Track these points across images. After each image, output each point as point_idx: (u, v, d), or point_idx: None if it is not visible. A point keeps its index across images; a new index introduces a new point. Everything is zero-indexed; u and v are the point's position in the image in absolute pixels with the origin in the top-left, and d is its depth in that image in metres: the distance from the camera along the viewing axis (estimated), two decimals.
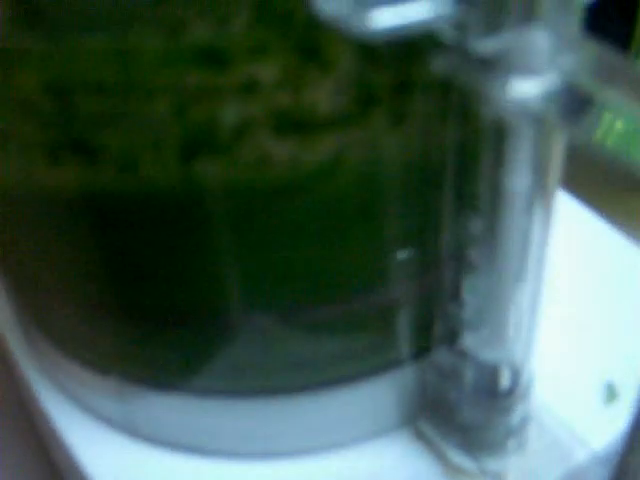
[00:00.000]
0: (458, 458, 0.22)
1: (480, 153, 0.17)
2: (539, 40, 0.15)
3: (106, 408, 0.23)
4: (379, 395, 0.22)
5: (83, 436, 0.24)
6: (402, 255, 0.20)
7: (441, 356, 0.21)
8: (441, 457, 0.22)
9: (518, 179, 0.17)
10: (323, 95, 0.15)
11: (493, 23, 0.15)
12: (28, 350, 0.26)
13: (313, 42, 0.15)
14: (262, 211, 0.18)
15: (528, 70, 0.15)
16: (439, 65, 0.15)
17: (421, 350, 0.22)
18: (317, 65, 0.15)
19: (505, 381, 0.21)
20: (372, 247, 0.19)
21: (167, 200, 0.18)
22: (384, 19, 0.14)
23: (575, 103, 0.15)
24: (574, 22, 0.15)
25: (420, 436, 0.23)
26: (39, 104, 0.16)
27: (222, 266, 0.19)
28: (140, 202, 0.18)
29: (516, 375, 0.21)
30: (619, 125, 0.16)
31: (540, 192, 0.18)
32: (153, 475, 0.23)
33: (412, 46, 0.15)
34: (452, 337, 0.21)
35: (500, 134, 0.17)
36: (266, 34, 0.15)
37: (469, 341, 0.21)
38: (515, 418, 0.22)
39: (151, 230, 0.19)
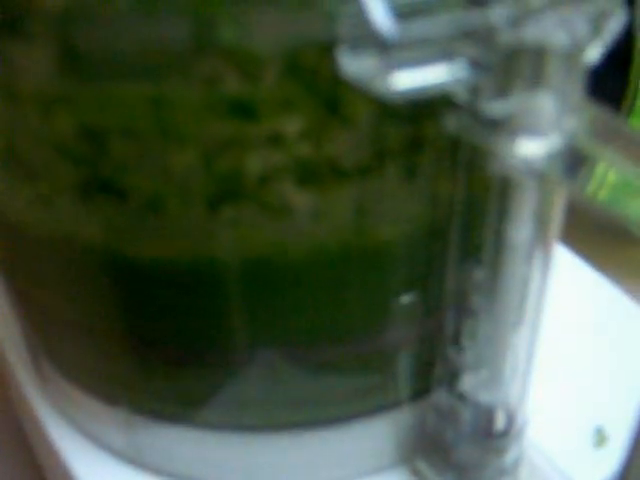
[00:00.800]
0: None
1: (485, 206, 0.18)
2: (545, 104, 0.16)
3: (113, 438, 0.24)
4: (378, 433, 0.23)
5: (89, 466, 0.24)
6: (405, 302, 0.21)
7: (440, 397, 0.22)
8: None
9: (520, 231, 0.18)
10: (343, 148, 0.17)
11: (503, 87, 0.16)
12: (35, 379, 0.26)
13: (336, 98, 0.16)
14: (275, 265, 0.19)
15: (534, 131, 0.16)
16: (451, 124, 0.17)
17: (420, 391, 0.23)
18: (339, 120, 0.16)
19: (500, 423, 0.22)
20: (377, 295, 0.20)
21: (187, 249, 0.19)
22: (405, 81, 0.15)
23: (575, 161, 0.17)
24: (577, 87, 0.16)
25: (416, 474, 0.24)
26: (73, 146, 0.17)
27: (231, 311, 0.20)
28: (160, 249, 0.19)
29: (511, 417, 0.22)
30: (611, 178, 0.18)
31: (541, 243, 0.19)
32: None
33: (426, 106, 0.17)
34: (451, 380, 0.22)
35: (505, 189, 0.18)
36: (293, 89, 0.16)
37: (467, 384, 0.22)
38: (509, 458, 0.23)
39: (167, 275, 0.19)
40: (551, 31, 0.16)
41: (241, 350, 0.21)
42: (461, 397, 0.22)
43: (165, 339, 0.21)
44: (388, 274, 0.20)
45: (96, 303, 0.21)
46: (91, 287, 0.21)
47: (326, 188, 0.17)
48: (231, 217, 0.17)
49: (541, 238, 0.19)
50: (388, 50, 0.15)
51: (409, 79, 0.15)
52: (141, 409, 0.23)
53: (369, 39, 0.15)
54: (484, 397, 0.22)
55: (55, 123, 0.17)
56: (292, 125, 0.16)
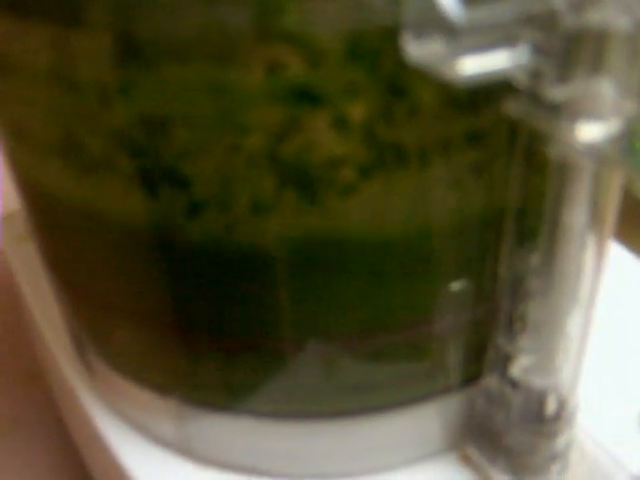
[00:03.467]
0: None
1: (542, 191, 0.18)
2: (605, 88, 0.16)
3: (163, 430, 0.24)
4: (427, 420, 0.23)
5: (139, 458, 0.24)
6: (460, 287, 0.21)
7: (490, 383, 0.22)
8: None
9: (576, 215, 0.19)
10: (405, 133, 0.17)
11: (565, 72, 0.16)
12: (81, 371, 0.26)
13: (399, 83, 0.16)
14: (334, 250, 0.19)
15: (594, 115, 0.16)
16: (512, 108, 0.17)
17: (470, 377, 0.23)
18: (402, 105, 0.16)
19: (552, 407, 0.22)
20: (433, 281, 0.20)
21: (246, 234, 0.19)
22: (471, 67, 0.15)
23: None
24: (637, 71, 0.16)
25: (466, 460, 0.24)
26: (133, 135, 0.17)
27: (285, 297, 0.20)
28: (218, 233, 0.19)
29: (562, 401, 0.22)
30: None
31: (596, 228, 0.19)
32: None
33: (488, 91, 0.17)
34: (503, 365, 0.22)
35: (562, 174, 0.18)
36: (356, 74, 0.16)
37: (519, 368, 0.22)
38: (560, 443, 0.23)
39: (222, 260, 0.20)
40: (613, 15, 0.16)
41: (294, 337, 0.21)
42: (512, 382, 0.22)
43: (217, 326, 0.21)
44: (445, 260, 0.20)
45: (146, 288, 0.21)
46: (141, 271, 0.21)
47: (389, 173, 0.17)
48: (293, 202, 0.17)
49: (597, 223, 0.19)
50: (456, 36, 0.15)
51: (475, 64, 0.15)
52: (192, 399, 0.23)
53: (435, 24, 0.15)
54: (536, 382, 0.22)
55: (114, 112, 0.17)
56: (356, 110, 0.16)
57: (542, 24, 0.16)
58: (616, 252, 0.30)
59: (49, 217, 0.22)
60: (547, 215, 0.18)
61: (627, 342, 0.27)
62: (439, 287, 0.21)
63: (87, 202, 0.20)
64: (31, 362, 0.40)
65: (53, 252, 0.23)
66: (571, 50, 0.16)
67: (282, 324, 0.21)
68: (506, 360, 0.22)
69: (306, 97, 0.16)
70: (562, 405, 0.22)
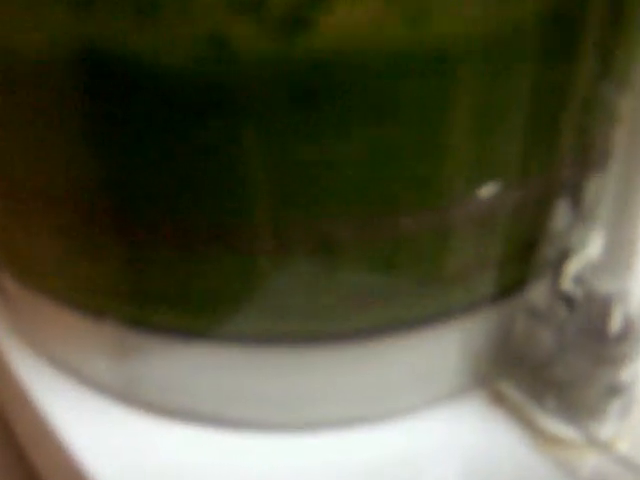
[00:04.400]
0: (550, 424, 0.18)
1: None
2: None
3: (96, 366, 0.18)
4: (450, 346, 0.18)
5: (65, 408, 0.18)
6: (499, 145, 0.15)
7: (537, 294, 0.17)
8: (527, 424, 0.18)
9: None
10: None
11: None
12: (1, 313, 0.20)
13: None
14: (326, 74, 0.13)
15: None
16: None
17: (507, 288, 0.17)
18: None
19: (617, 323, 0.17)
20: (460, 131, 0.15)
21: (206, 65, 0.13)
22: None
23: None
24: None
25: (498, 399, 0.18)
26: None
27: (258, 158, 0.14)
28: (165, 51, 0.13)
29: (631, 317, 0.17)
30: None
31: None
32: (160, 452, 0.17)
33: None
34: (556, 267, 0.16)
35: None
36: None
37: (581, 270, 0.16)
38: (623, 373, 0.17)
39: (170, 96, 0.13)
40: None
41: (275, 221, 0.15)
42: (566, 293, 0.17)
43: (166, 207, 0.15)
44: (483, 95, 0.14)
45: (66, 158, 0.15)
46: (57, 131, 0.15)
47: None
48: None
49: None
50: None
51: None
52: (134, 321, 0.17)
53: None
54: (600, 286, 0.16)
55: None
56: None
57: None
58: None
59: None
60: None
61: None
62: (471, 141, 0.15)
63: None
64: None
65: None
66: None
67: (258, 200, 0.15)
68: (562, 260, 0.16)
69: None
70: (630, 322, 0.17)
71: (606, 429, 0.18)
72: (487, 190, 0.15)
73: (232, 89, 0.13)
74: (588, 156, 0.15)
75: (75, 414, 0.18)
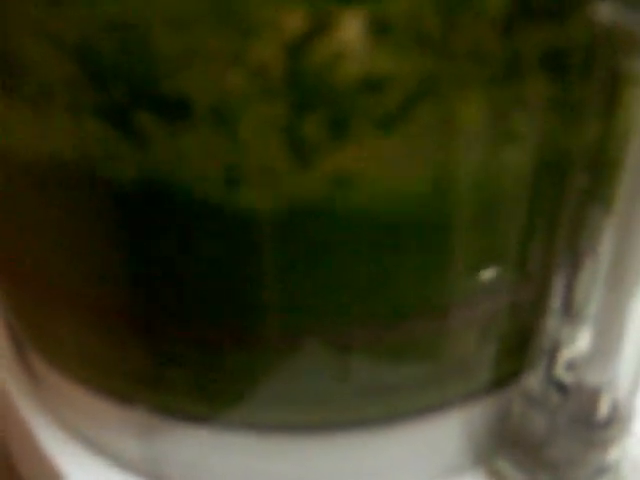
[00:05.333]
0: None
1: (626, 132, 0.14)
2: None
3: (123, 447, 0.19)
4: (451, 430, 0.19)
5: None
6: (498, 263, 0.17)
7: (532, 382, 0.18)
8: None
9: None
10: (468, 43, 0.12)
11: None
12: (21, 376, 0.21)
13: None
14: (345, 208, 0.15)
15: None
16: (601, 13, 0.13)
17: (505, 377, 0.19)
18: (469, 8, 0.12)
19: (605, 410, 0.18)
20: (464, 254, 0.16)
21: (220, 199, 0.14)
22: None
23: None
24: None
25: (495, 476, 0.20)
26: (91, 44, 0.13)
27: (276, 271, 0.16)
28: (198, 185, 0.14)
29: (618, 404, 0.18)
30: None
31: None
32: None
33: None
34: (550, 358, 0.18)
35: None
36: None
37: (571, 361, 0.18)
38: (611, 454, 0.19)
39: (198, 219, 0.15)
40: None
41: (291, 327, 0.16)
42: (558, 381, 0.18)
43: (192, 311, 0.17)
44: (486, 222, 0.16)
45: (99, 262, 0.17)
46: (92, 239, 0.16)
47: (438, 100, 0.13)
48: (309, 136, 0.13)
49: None
50: None
51: None
52: (161, 408, 0.18)
53: None
54: (589, 378, 0.18)
55: (70, 13, 0.13)
56: (401, 5, 0.12)
57: None
58: None
59: None
60: (629, 161, 0.14)
61: None
62: (470, 261, 0.16)
63: (27, 145, 0.15)
64: None
65: None
66: None
67: (276, 308, 0.16)
68: (554, 352, 0.18)
69: None
70: (617, 408, 0.18)
71: None
72: (484, 297, 0.17)
73: (249, 222, 0.14)
74: (578, 261, 0.16)
75: None
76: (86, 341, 0.18)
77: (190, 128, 0.13)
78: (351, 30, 0.12)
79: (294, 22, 0.12)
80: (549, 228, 0.16)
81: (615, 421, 0.18)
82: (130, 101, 0.13)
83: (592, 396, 0.18)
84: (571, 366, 0.18)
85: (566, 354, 0.18)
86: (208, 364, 0.17)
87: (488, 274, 0.16)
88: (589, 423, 0.18)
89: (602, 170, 0.15)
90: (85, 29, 0.13)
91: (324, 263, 0.15)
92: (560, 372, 0.18)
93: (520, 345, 0.18)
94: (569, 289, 0.17)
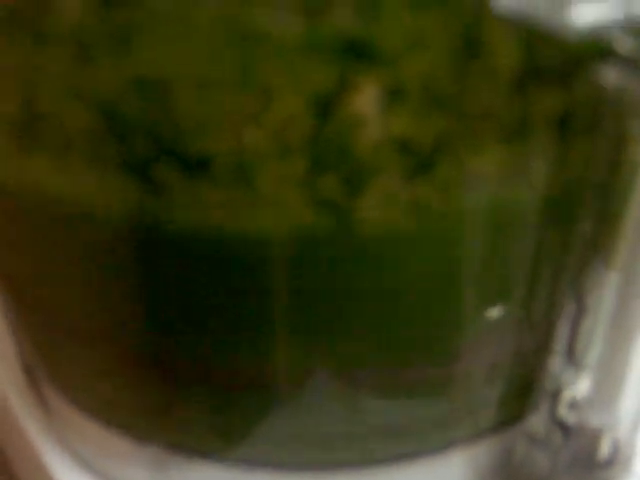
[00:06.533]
0: None
1: (627, 189, 0.15)
2: None
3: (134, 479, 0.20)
4: (454, 471, 0.20)
5: None
6: (502, 312, 0.17)
7: (535, 423, 0.19)
8: None
9: None
10: (480, 105, 0.13)
11: None
12: (35, 410, 0.22)
13: (477, 37, 0.12)
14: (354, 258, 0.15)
15: None
16: (607, 77, 0.13)
17: (508, 419, 0.19)
18: (478, 65, 0.13)
19: (606, 450, 0.19)
20: (469, 304, 0.17)
21: (246, 233, 0.15)
22: (583, 14, 0.12)
23: None
24: None
25: None
26: (119, 102, 0.13)
27: (286, 319, 0.16)
28: (215, 230, 0.15)
29: (619, 444, 0.19)
30: None
31: None
32: None
33: (579, 59, 0.13)
34: (552, 400, 0.18)
35: None
36: (420, 23, 0.12)
37: (573, 404, 0.18)
38: None
39: (213, 265, 0.16)
40: None
41: (299, 370, 0.17)
42: (561, 421, 0.19)
43: (205, 353, 0.17)
44: (488, 276, 0.16)
45: (116, 304, 0.17)
46: (109, 281, 0.17)
47: (449, 160, 0.13)
48: (325, 192, 0.13)
49: None
50: None
51: (587, 13, 0.12)
52: (175, 446, 0.19)
53: None
54: (591, 419, 0.18)
55: (97, 72, 0.13)
56: (418, 72, 0.12)
57: None
58: None
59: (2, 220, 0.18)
60: (631, 218, 0.15)
61: None
62: (479, 310, 0.17)
63: (50, 195, 0.16)
64: None
65: (6, 265, 0.19)
66: None
67: (285, 353, 0.17)
68: (556, 394, 0.18)
69: (356, 51, 0.12)
70: (618, 449, 0.19)
71: None
72: (489, 342, 0.17)
73: (264, 271, 0.15)
74: (582, 307, 0.17)
75: None
76: (102, 379, 0.19)
77: (210, 181, 0.14)
78: (369, 93, 0.12)
79: (314, 86, 0.12)
80: (555, 274, 0.17)
81: (616, 461, 0.19)
82: (152, 155, 0.13)
83: (594, 437, 0.18)
84: (573, 407, 0.18)
85: (568, 396, 0.18)
86: (220, 404, 0.18)
87: (494, 318, 0.17)
88: (591, 463, 0.19)
89: (605, 223, 0.16)
90: (112, 87, 0.13)
91: (332, 311, 0.16)
92: (563, 413, 0.19)
93: (525, 387, 0.18)
94: (572, 334, 0.17)
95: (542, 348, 0.18)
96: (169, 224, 0.14)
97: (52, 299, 0.18)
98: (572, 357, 0.18)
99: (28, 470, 0.24)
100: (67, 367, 0.20)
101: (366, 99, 0.12)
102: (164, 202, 0.14)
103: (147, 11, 0.12)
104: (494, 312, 0.17)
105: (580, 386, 0.18)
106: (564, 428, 0.19)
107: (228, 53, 0.12)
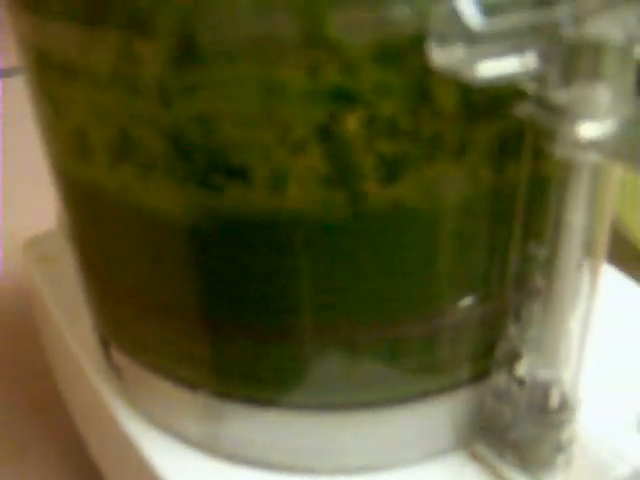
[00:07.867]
0: (513, 475, 0.25)
1: (546, 193, 0.20)
2: (602, 93, 0.19)
3: (190, 427, 0.26)
4: (437, 417, 0.25)
5: (167, 458, 0.26)
6: (470, 285, 0.23)
7: (499, 380, 0.24)
8: (498, 476, 0.25)
9: (577, 214, 0.21)
10: (430, 132, 0.19)
11: (567, 78, 0.18)
12: (110, 379, 0.28)
13: (425, 86, 0.18)
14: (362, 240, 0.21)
15: (593, 116, 0.19)
16: (522, 111, 0.19)
17: (479, 375, 0.25)
18: (427, 106, 0.19)
19: (555, 399, 0.24)
20: (450, 270, 0.22)
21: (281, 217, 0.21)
22: (488, 70, 0.18)
23: (628, 144, 0.19)
24: (630, 79, 0.19)
25: (476, 457, 0.25)
26: (188, 132, 0.20)
27: (314, 283, 0.22)
28: (256, 219, 0.21)
29: (565, 394, 0.24)
30: None
31: (595, 228, 0.21)
32: None
33: (501, 98, 0.19)
34: (511, 361, 0.24)
35: (566, 172, 0.20)
36: (385, 76, 0.18)
37: (527, 363, 0.23)
38: (564, 435, 0.24)
39: (254, 254, 0.21)
40: (609, 29, 0.18)
41: (318, 325, 0.23)
42: (519, 379, 0.24)
43: (243, 314, 0.23)
44: (458, 258, 0.22)
45: (175, 278, 0.23)
46: (171, 261, 0.22)
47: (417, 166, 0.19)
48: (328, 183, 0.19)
49: (596, 221, 0.21)
50: (475, 42, 0.17)
51: (490, 68, 0.18)
52: (218, 392, 0.24)
53: (458, 32, 0.17)
54: (540, 375, 0.23)
55: (174, 112, 0.19)
56: (385, 109, 0.18)
57: (547, 35, 0.18)
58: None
59: (88, 213, 0.24)
60: (551, 215, 0.21)
61: (626, 343, 0.29)
62: (456, 277, 0.22)
63: (132, 197, 0.22)
64: (39, 391, 0.42)
65: (77, 237, 0.25)
66: (572, 58, 0.18)
67: (307, 311, 0.22)
68: (514, 357, 0.24)
69: (342, 96, 0.18)
70: (565, 398, 0.24)
71: (555, 478, 0.25)
72: (460, 309, 0.23)
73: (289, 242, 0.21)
74: (524, 284, 0.23)
75: (174, 463, 0.25)
76: (160, 337, 0.25)
77: (248, 185, 0.20)
78: (353, 122, 0.19)
79: (314, 119, 0.19)
80: (504, 260, 0.22)
81: (564, 407, 0.24)
82: (209, 168, 0.20)
83: (544, 389, 0.24)
84: (527, 365, 0.24)
85: (524, 358, 0.24)
86: (257, 355, 0.23)
87: (463, 289, 0.22)
88: (543, 410, 0.24)
89: (535, 210, 0.21)
90: (182, 121, 0.19)
91: (344, 277, 0.22)
92: (520, 370, 0.24)
93: (488, 349, 0.24)
94: (519, 308, 0.23)
95: (501, 316, 0.23)
96: (221, 214, 0.21)
97: (129, 278, 0.24)
98: (523, 324, 0.23)
99: (104, 435, 0.30)
100: (134, 331, 0.26)
101: (351, 125, 0.18)
102: (217, 200, 0.20)
103: (207, 69, 0.19)
104: (464, 285, 0.23)
105: (528, 350, 0.24)
106: (521, 383, 0.24)
107: (258, 99, 0.18)
